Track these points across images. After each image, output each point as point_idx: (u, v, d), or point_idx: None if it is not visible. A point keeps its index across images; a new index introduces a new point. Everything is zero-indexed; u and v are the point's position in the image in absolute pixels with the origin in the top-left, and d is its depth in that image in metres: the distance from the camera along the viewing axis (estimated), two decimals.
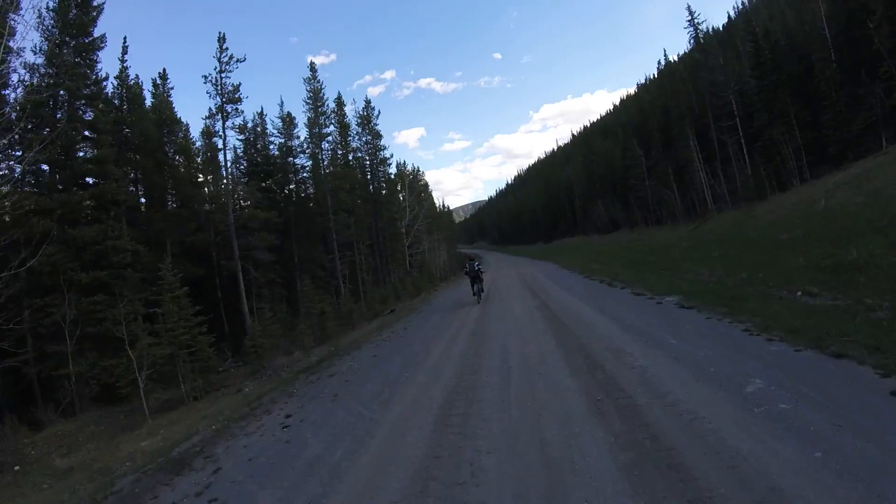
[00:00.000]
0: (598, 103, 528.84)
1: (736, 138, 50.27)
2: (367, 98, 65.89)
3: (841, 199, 28.66)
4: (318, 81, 40.97)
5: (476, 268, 24.24)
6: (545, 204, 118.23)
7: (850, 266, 13.30)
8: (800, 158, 42.21)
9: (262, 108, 40.26)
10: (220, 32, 30.16)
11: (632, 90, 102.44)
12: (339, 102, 46.46)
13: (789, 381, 6.45)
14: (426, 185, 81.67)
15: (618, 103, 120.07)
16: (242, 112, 30.06)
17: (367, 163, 50.72)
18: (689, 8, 58.82)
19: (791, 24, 50.27)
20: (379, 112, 51.16)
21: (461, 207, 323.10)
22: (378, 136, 51.65)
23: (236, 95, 30.27)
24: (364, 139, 50.51)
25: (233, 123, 30.99)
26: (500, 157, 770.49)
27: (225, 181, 32.76)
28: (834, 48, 41.06)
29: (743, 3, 51.48)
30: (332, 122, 43.58)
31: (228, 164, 33.56)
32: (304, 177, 43.27)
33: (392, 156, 58.88)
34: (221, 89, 29.92)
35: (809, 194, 34.04)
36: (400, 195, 58.96)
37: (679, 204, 59.30)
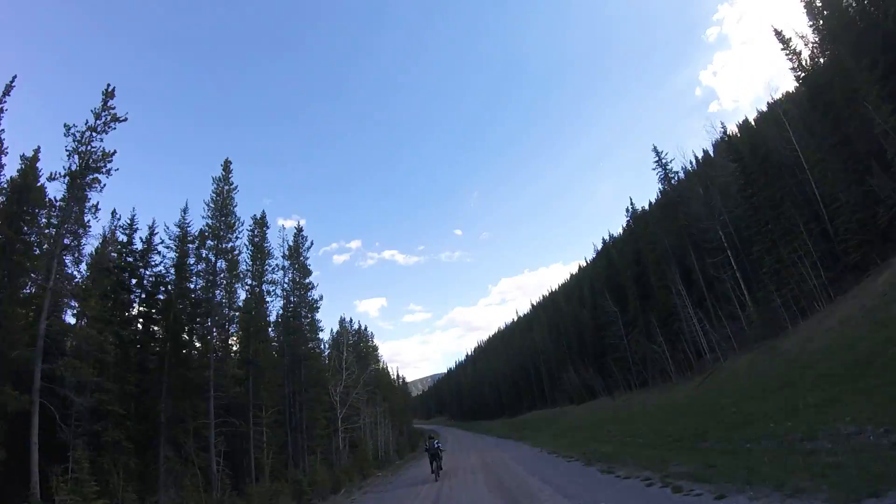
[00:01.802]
0: (553, 276, 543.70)
1: (731, 272, 42.28)
2: (298, 226, 49.40)
3: None
4: (231, 184, 29.91)
5: (436, 445, 26.57)
6: (508, 375, 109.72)
7: None
8: (818, 275, 34.36)
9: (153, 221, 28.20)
10: (108, 85, 21.31)
11: (588, 258, 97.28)
12: (260, 222, 34.39)
13: None
14: (375, 348, 70.93)
15: (576, 272, 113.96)
16: (103, 187, 19.93)
17: (291, 302, 39.23)
18: (655, 149, 55.75)
19: (774, 140, 44.50)
20: (311, 243, 40.17)
21: (419, 380, 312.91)
22: (307, 271, 39.66)
23: (102, 165, 20.74)
24: (289, 276, 38.66)
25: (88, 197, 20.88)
26: (460, 330, 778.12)
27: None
28: (834, 145, 35.19)
29: (722, 135, 47.23)
30: (243, 239, 31.80)
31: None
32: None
33: (321, 298, 44.16)
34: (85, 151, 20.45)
35: (849, 311, 25.39)
36: (343, 355, 47.45)
37: (669, 360, 49.68)
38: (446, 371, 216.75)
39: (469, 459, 33.51)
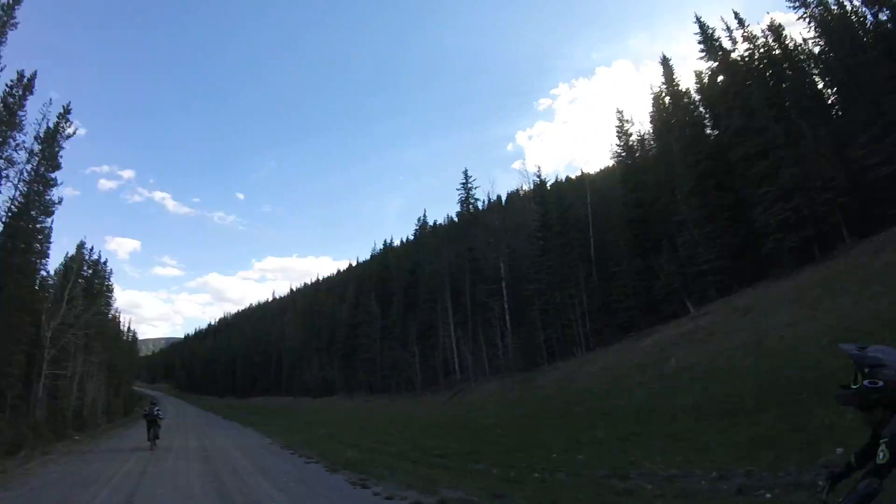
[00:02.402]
0: (321, 267, 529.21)
1: (500, 302, 43.17)
2: (67, 106, 35.25)
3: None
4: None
5: (155, 412, 24.14)
6: (248, 355, 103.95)
7: None
8: (584, 325, 36.63)
9: None
10: None
11: (362, 259, 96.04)
12: (27, 85, 26.58)
13: None
14: (110, 289, 60.72)
15: (344, 269, 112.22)
16: None
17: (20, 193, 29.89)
18: (466, 172, 57.11)
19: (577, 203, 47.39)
20: (74, 131, 32.00)
21: (153, 340, 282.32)
22: (56, 164, 30.10)
23: None
24: (34, 164, 29.04)
25: None
26: (210, 297, 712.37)
27: None
28: (629, 220, 38.41)
29: (535, 179, 49.61)
30: None
31: None
32: None
33: (60, 202, 34.85)
34: None
35: (615, 362, 26.89)
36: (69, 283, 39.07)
37: (419, 371, 49.31)
38: (184, 337, 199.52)
39: (187, 441, 26.55)
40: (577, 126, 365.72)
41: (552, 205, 43.60)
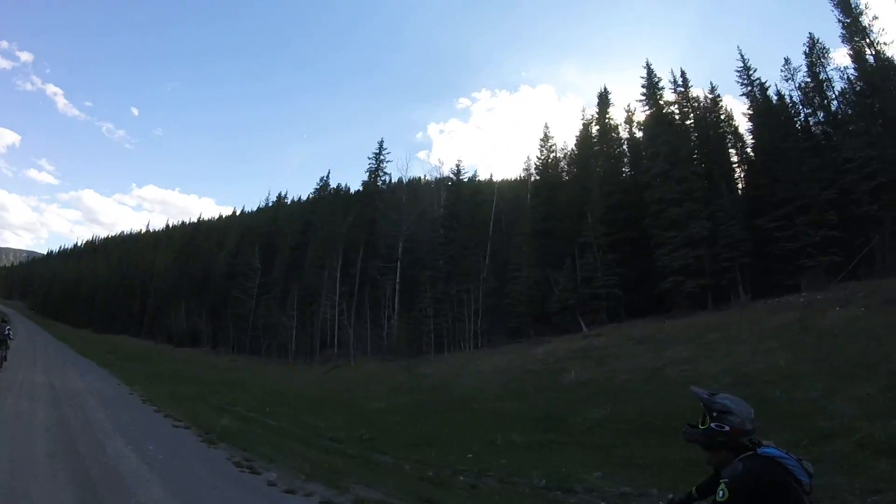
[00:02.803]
0: (203, 208, 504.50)
1: (392, 282, 42.99)
2: None
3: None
4: None
5: (6, 331, 23.26)
6: (111, 287, 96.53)
7: None
8: (476, 322, 37.54)
9: None
10: None
11: (251, 209, 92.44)
12: None
13: None
14: None
15: (228, 214, 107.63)
16: None
17: None
18: (381, 142, 56.22)
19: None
20: None
21: (15, 250, 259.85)
22: None
23: None
24: None
25: None
26: (81, 215, 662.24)
27: None
28: (536, 231, 39.41)
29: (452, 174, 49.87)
30: None
31: None
32: None
33: None
34: None
35: (505, 365, 27.24)
36: None
37: (294, 338, 47.97)
38: (46, 253, 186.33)
39: (34, 377, 22.26)
40: (490, 133, 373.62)
41: (464, 196, 43.82)
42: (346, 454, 12.32)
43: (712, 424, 2.90)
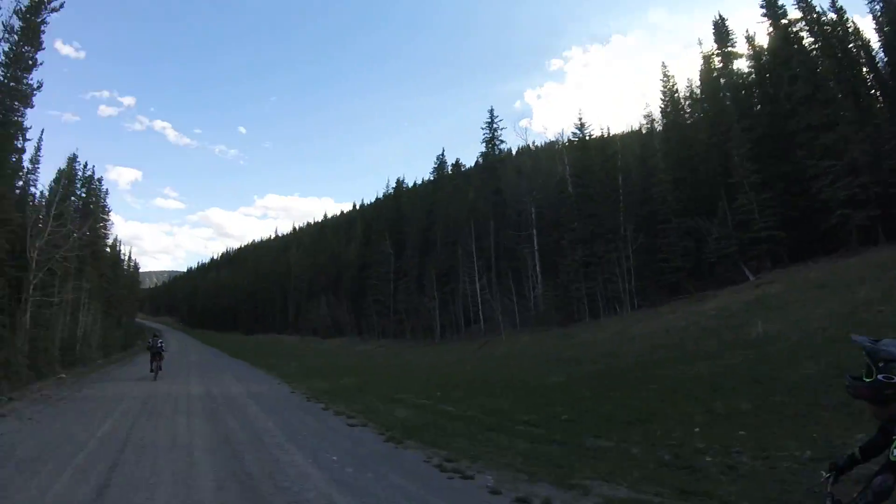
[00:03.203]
0: (323, 208, 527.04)
1: (531, 250, 42.64)
2: None
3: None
4: None
5: (159, 345, 26.05)
6: (252, 291, 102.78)
7: None
8: (629, 281, 35.98)
9: None
10: None
11: (368, 201, 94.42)
12: None
13: None
14: (105, 209, 57.75)
15: (349, 210, 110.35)
16: None
17: None
18: (492, 111, 55.83)
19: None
20: (62, 4, 28.02)
21: (156, 272, 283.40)
22: (37, 43, 27.38)
23: None
24: (11, 44, 26.14)
25: None
26: (212, 232, 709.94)
27: None
28: (676, 179, 37.26)
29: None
30: None
31: None
32: None
33: (40, 88, 31.22)
34: None
35: (677, 324, 26.00)
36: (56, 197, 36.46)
37: (438, 318, 48.86)
38: (186, 270, 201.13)
39: (188, 387, 22.02)
40: (591, 89, 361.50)
41: (590, 152, 42.48)
42: (552, 441, 10.67)
43: (879, 376, 2.63)
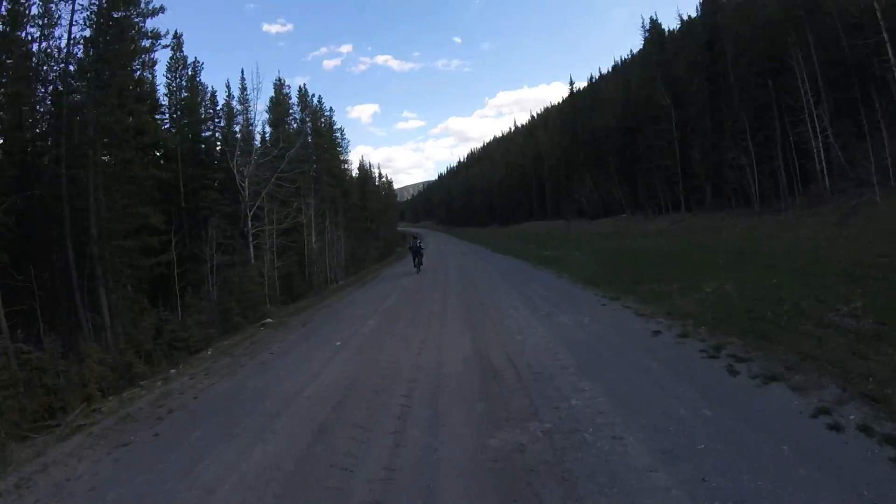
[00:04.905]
0: (554, 93, 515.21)
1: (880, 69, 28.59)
2: None
3: None
4: None
5: (418, 245, 29.20)
6: (503, 183, 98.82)
7: None
8: None
9: None
10: None
11: (603, 71, 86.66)
12: None
13: None
14: (336, 131, 56.12)
15: (585, 85, 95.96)
16: None
17: None
18: None
19: None
20: None
21: (411, 186, 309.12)
22: None
23: None
24: None
25: None
26: (453, 140, 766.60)
27: None
28: None
29: None
30: None
31: None
32: None
33: None
34: None
35: None
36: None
37: (754, 182, 36.73)
38: (437, 176, 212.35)
39: (446, 297, 17.25)
40: None
41: None
42: None
43: None
